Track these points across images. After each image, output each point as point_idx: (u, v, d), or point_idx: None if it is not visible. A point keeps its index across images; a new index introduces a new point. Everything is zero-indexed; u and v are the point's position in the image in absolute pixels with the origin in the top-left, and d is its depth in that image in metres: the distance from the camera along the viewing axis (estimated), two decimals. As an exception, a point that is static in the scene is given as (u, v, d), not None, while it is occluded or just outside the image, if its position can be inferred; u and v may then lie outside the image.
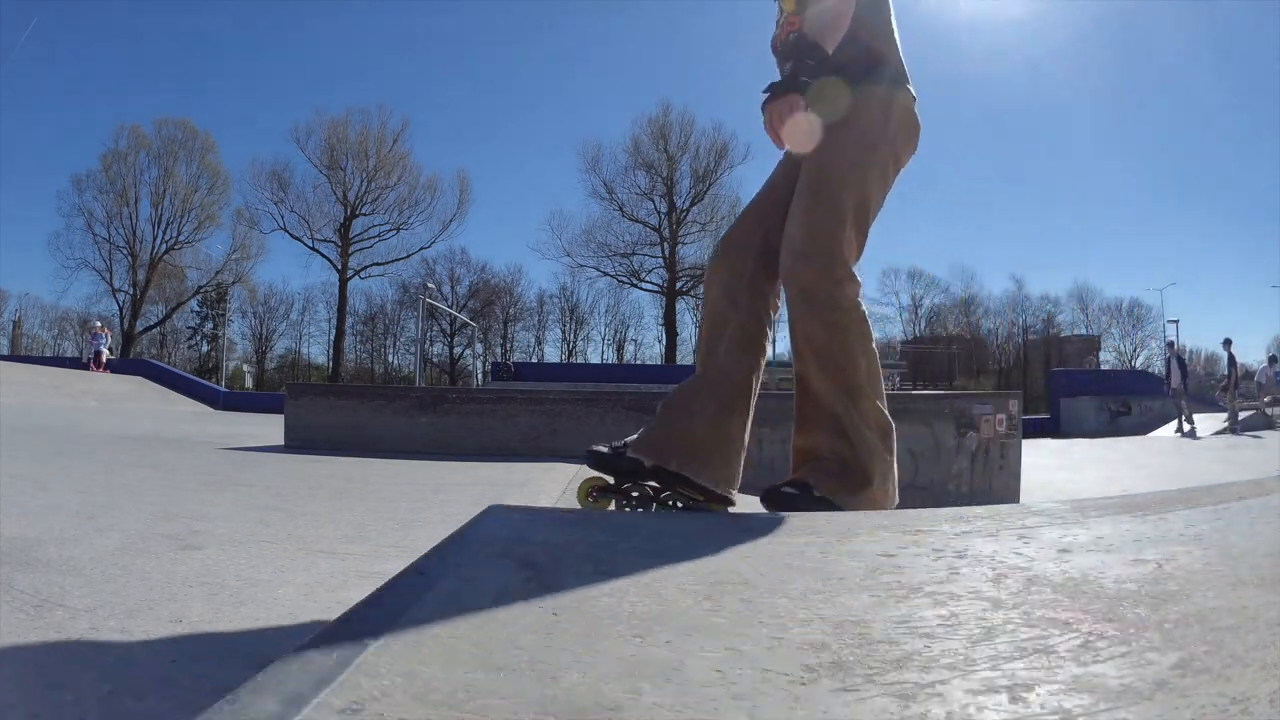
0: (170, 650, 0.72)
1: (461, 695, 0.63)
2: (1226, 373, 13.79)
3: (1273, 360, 16.05)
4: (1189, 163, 57.38)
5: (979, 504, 3.12)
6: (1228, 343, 14.08)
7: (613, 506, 1.76)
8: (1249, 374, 16.90)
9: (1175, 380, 13.54)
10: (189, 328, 43.68)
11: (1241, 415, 13.56)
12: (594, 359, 43.72)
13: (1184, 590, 0.90)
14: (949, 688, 0.65)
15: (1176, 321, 44.89)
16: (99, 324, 21.50)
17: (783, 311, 1.75)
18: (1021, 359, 46.43)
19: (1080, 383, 16.40)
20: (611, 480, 1.71)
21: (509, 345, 45.17)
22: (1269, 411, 14.23)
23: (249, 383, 41.86)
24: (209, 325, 43.39)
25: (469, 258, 44.55)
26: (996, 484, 3.66)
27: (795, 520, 1.48)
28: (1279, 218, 50.66)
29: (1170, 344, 14.56)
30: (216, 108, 54.13)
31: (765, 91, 1.63)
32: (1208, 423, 13.30)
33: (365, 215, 40.87)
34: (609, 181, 40.33)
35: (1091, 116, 56.99)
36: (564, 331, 45.65)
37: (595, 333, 45.29)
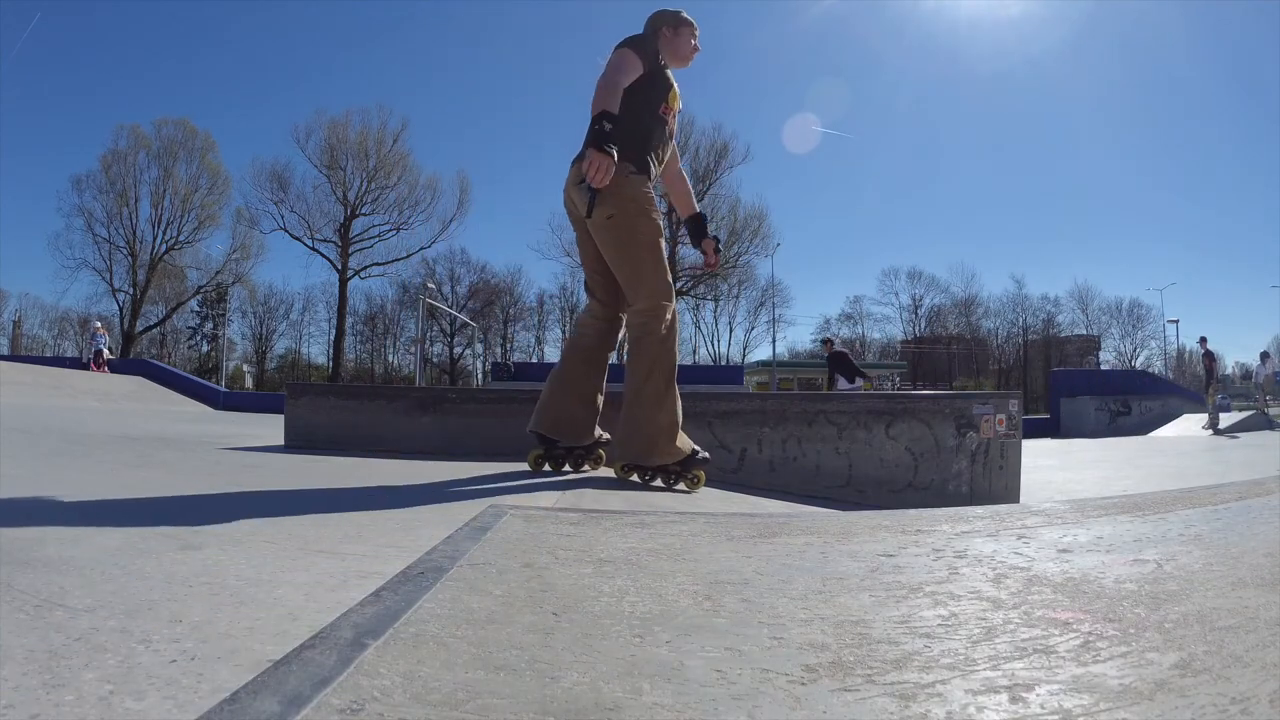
0: (170, 650, 0.72)
1: (461, 695, 0.63)
2: (1203, 371, 13.76)
3: (1264, 357, 16.03)
4: (1189, 163, 57.47)
5: (979, 504, 3.12)
6: (1203, 340, 14.11)
7: (548, 466, 2.66)
8: (1248, 374, 16.90)
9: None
10: (189, 328, 43.68)
11: (1240, 415, 13.53)
12: (594, 359, 43.60)
13: (1184, 590, 0.90)
14: (949, 688, 0.65)
15: (1176, 321, 44.98)
16: (99, 324, 21.47)
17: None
18: (1021, 359, 46.40)
19: (1080, 383, 16.37)
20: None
21: (509, 345, 45.18)
22: (1268, 411, 14.19)
23: (249, 383, 41.83)
24: (209, 325, 43.36)
25: (469, 258, 44.63)
26: (996, 484, 3.66)
27: (795, 520, 1.49)
28: (1279, 218, 50.67)
29: (1203, 339, 14.12)
30: (216, 108, 54.20)
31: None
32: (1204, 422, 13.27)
33: (365, 215, 40.79)
34: (609, 181, 40.20)
35: (1092, 116, 57.03)
36: (564, 331, 45.63)
37: (595, 333, 45.20)
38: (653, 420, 2.37)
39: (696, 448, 2.48)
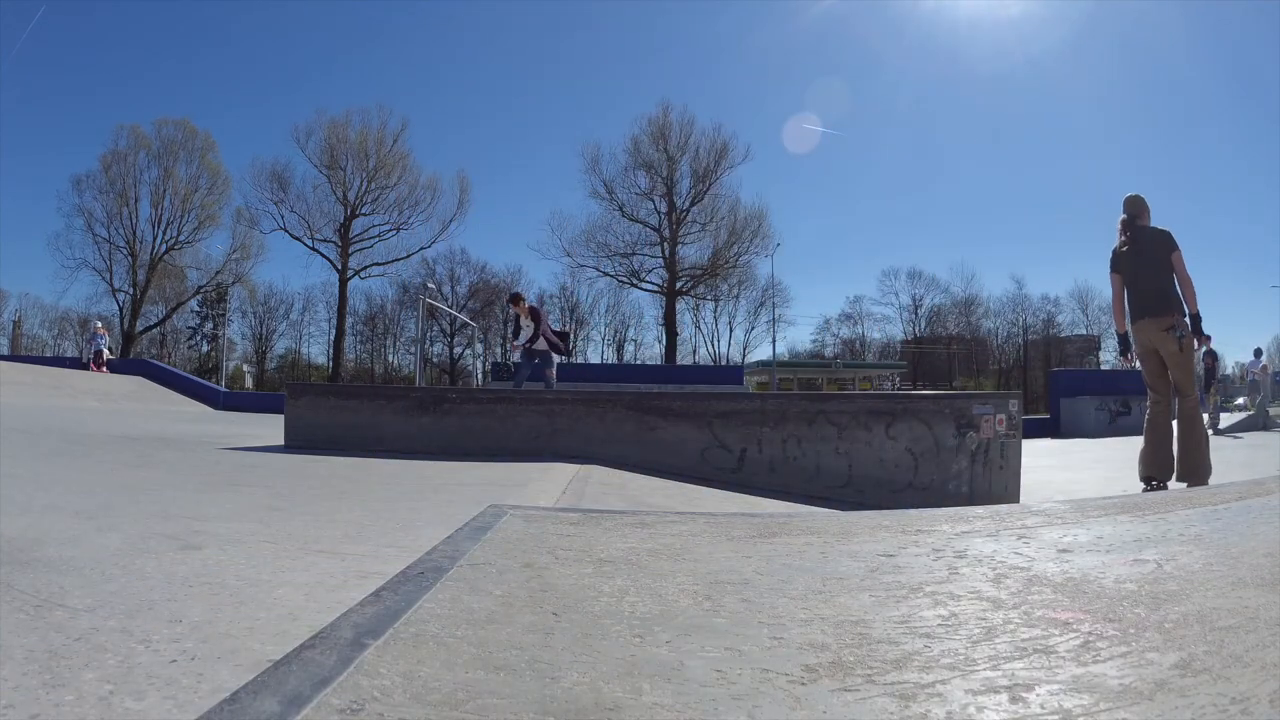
0: (170, 650, 0.72)
1: (461, 695, 0.63)
2: (1203, 371, 13.77)
3: (1257, 353, 16.03)
4: (1189, 163, 57.40)
5: (979, 504, 3.12)
6: (1208, 339, 14.08)
7: None
8: (1245, 375, 16.94)
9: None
10: (189, 328, 43.66)
11: (1238, 417, 13.52)
12: (594, 359, 43.68)
13: (1184, 590, 0.90)
14: (949, 688, 0.65)
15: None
16: (99, 324, 21.44)
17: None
18: (1021, 359, 46.39)
19: (1080, 383, 16.36)
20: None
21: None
22: (1268, 410, 14.16)
23: (249, 383, 41.80)
24: (209, 325, 43.36)
25: (469, 258, 44.62)
26: (996, 484, 3.66)
27: (796, 520, 1.49)
28: (1279, 218, 50.61)
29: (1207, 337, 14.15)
30: (216, 108, 54.10)
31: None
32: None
33: (365, 215, 40.75)
34: (609, 181, 40.10)
35: (1092, 116, 56.96)
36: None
37: (595, 333, 45.28)
38: (1203, 464, 4.08)
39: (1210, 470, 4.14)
